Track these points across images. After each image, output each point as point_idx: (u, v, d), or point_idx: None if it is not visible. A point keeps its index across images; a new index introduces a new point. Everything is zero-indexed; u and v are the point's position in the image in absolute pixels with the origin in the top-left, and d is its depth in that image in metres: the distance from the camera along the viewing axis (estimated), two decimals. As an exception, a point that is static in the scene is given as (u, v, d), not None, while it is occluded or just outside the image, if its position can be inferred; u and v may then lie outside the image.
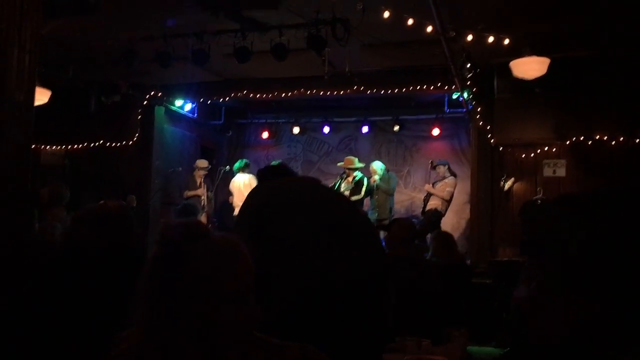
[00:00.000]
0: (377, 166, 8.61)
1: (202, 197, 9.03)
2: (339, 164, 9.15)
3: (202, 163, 9.27)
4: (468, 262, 7.02)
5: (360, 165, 8.80)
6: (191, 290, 1.15)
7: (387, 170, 8.80)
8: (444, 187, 8.28)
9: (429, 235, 7.22)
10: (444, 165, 8.65)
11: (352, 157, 8.98)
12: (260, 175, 2.87)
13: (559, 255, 0.96)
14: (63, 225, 5.91)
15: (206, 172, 9.21)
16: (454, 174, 8.59)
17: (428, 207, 8.30)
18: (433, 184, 8.40)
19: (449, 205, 8.45)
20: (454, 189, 8.41)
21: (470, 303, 4.90)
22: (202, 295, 1.16)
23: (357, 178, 8.56)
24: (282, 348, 1.28)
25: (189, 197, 9.05)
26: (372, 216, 7.97)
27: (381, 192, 8.40)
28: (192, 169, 9.30)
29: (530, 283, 0.96)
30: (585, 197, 1.01)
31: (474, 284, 5.92)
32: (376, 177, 8.40)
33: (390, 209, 8.42)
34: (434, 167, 8.65)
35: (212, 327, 1.16)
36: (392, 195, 8.58)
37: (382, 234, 8.06)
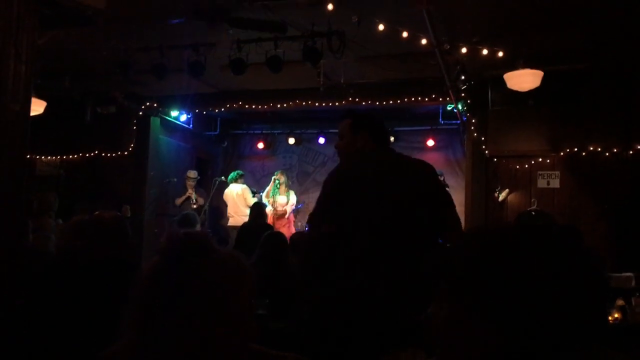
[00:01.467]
0: None
1: (192, 198, 9.09)
2: None
3: (191, 173, 9.41)
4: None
5: None
6: (190, 306, 1.13)
7: None
8: None
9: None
10: (440, 175, 8.72)
11: None
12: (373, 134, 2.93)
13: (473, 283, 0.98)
14: (54, 235, 5.90)
15: (194, 183, 9.29)
16: (446, 185, 8.68)
17: None
18: None
19: None
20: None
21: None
22: (202, 311, 1.13)
23: None
24: (278, 359, 1.28)
25: (181, 204, 9.09)
26: None
27: None
28: (184, 179, 9.39)
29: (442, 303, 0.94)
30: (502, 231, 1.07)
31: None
32: None
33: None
34: None
35: (209, 344, 1.14)
36: None
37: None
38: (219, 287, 1.15)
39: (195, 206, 9.00)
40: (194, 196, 9.18)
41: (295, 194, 9.57)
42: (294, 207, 9.27)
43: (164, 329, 1.13)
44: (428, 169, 2.89)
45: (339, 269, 2.65)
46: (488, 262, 0.98)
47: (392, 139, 10.20)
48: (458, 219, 2.85)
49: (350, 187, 2.75)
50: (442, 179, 8.67)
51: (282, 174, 9.37)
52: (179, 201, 9.22)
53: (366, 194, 2.68)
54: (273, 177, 9.27)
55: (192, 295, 1.13)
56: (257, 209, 7.26)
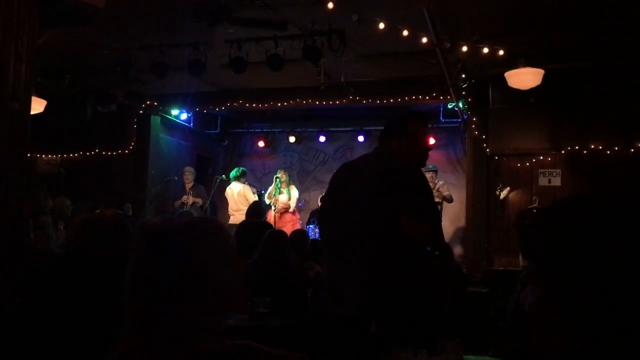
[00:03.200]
0: None
1: (186, 204, 9.03)
2: None
3: (186, 170, 9.38)
4: (464, 271, 7.03)
5: None
6: (186, 276, 1.16)
7: None
8: (443, 189, 8.40)
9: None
10: (433, 171, 8.66)
11: None
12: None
13: (549, 268, 0.82)
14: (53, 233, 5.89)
15: (191, 177, 9.23)
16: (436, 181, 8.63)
17: None
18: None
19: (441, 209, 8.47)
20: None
21: (466, 312, 4.90)
22: (201, 276, 1.17)
23: None
24: (280, 357, 1.28)
25: (180, 206, 9.07)
26: None
27: None
28: (182, 176, 9.36)
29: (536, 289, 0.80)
30: (578, 203, 0.84)
31: (470, 293, 5.93)
32: None
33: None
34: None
35: (215, 303, 1.18)
36: None
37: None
38: (207, 250, 1.20)
39: (187, 206, 8.93)
40: (187, 199, 9.09)
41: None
42: (297, 200, 9.24)
43: (168, 308, 1.15)
44: (377, 167, 2.87)
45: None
46: (567, 239, 0.79)
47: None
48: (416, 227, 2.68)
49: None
50: (431, 174, 8.57)
51: (283, 172, 9.33)
52: (177, 204, 9.20)
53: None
54: (275, 176, 9.21)
55: (183, 265, 1.17)
56: (253, 208, 7.28)
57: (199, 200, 9.19)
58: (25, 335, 2.38)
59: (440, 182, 8.63)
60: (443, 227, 9.53)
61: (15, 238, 3.62)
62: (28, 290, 2.71)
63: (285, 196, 9.05)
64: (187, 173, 9.35)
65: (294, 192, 9.22)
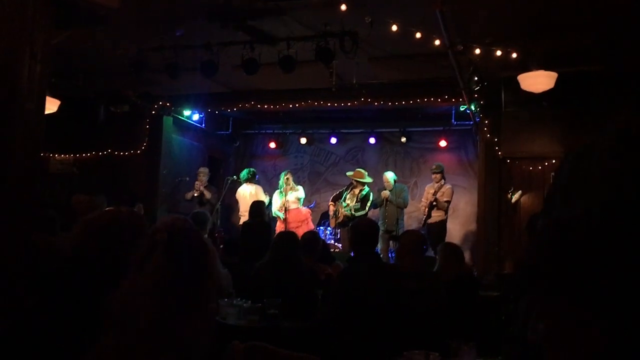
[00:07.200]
0: (390, 177, 8.54)
1: (204, 194, 8.98)
2: (348, 174, 9.13)
3: (202, 169, 9.37)
4: (475, 274, 6.99)
5: (369, 180, 8.77)
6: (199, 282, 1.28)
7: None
8: (444, 192, 8.28)
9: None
10: (440, 171, 8.54)
11: (363, 171, 8.95)
12: None
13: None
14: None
15: (205, 178, 9.18)
16: (444, 178, 8.50)
17: (432, 219, 8.27)
18: (434, 192, 8.33)
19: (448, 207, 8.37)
20: (451, 197, 8.37)
21: (477, 316, 4.87)
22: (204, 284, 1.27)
23: (363, 193, 8.59)
24: (291, 359, 1.29)
25: (191, 199, 9.05)
26: (381, 227, 7.90)
27: (391, 204, 8.37)
28: (194, 176, 9.34)
29: None
30: None
31: (481, 297, 5.89)
32: (387, 192, 8.35)
33: (398, 221, 8.37)
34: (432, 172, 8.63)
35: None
36: (403, 208, 8.52)
37: (391, 244, 8.02)
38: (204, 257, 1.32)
39: (199, 195, 8.87)
40: (204, 191, 9.06)
41: (306, 193, 9.44)
42: (302, 198, 9.04)
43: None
44: None
45: None
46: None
47: (403, 139, 10.18)
48: None
49: None
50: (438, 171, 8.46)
51: (290, 173, 9.12)
52: (188, 195, 9.18)
53: None
54: (285, 178, 8.91)
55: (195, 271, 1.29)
56: (256, 208, 7.25)
57: (209, 195, 9.09)
58: (35, 337, 2.39)
59: (447, 186, 8.44)
60: (455, 230, 9.38)
61: (28, 236, 3.64)
62: (41, 290, 2.72)
63: (293, 194, 8.86)
64: (201, 174, 9.30)
65: (301, 191, 9.06)
